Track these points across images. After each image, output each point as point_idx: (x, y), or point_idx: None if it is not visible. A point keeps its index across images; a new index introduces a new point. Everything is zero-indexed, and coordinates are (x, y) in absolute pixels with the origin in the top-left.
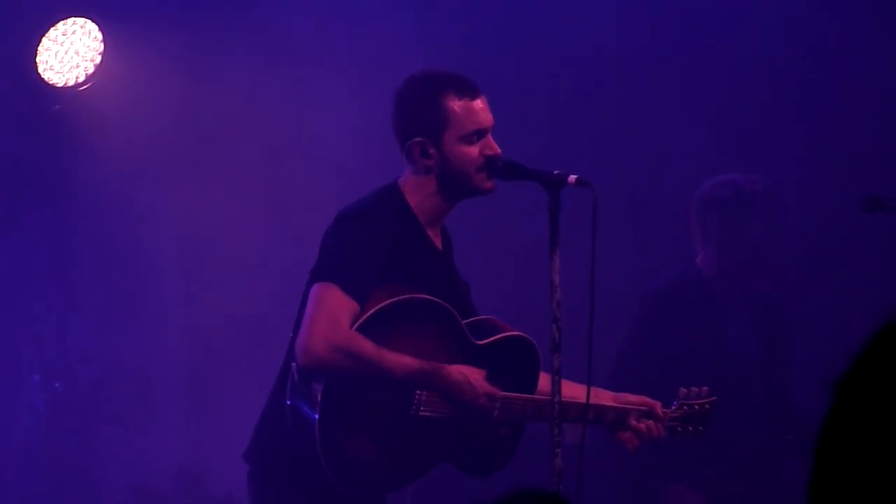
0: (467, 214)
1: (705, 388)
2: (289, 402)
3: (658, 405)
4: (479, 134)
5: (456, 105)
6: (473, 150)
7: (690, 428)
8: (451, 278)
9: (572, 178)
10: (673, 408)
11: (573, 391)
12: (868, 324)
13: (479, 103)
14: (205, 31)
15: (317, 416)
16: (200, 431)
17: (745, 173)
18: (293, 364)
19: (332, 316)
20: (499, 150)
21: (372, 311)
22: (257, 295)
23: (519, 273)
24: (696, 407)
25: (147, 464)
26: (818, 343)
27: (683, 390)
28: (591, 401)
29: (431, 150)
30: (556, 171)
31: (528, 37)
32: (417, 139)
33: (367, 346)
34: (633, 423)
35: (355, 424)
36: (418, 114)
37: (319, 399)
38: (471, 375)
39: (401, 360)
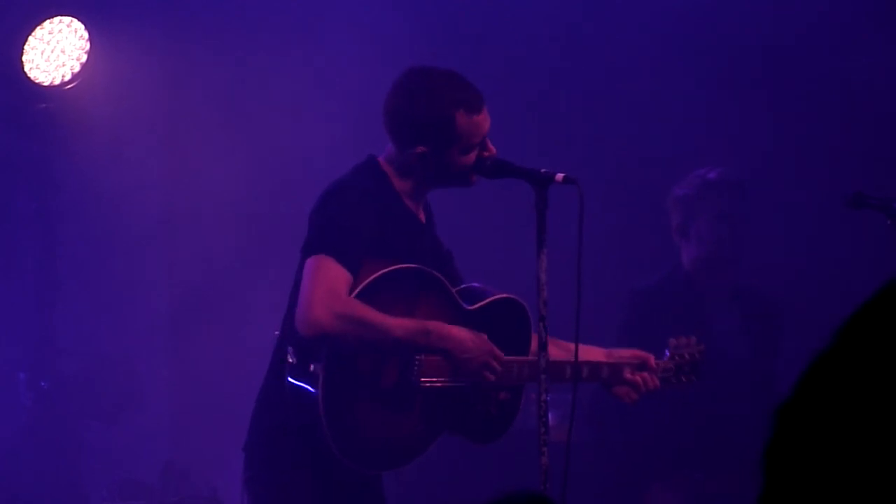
0: (454, 212)
1: (693, 336)
2: (289, 383)
3: (651, 357)
4: (481, 145)
5: (466, 122)
6: (472, 158)
7: (683, 378)
8: (435, 248)
9: (559, 176)
10: (665, 358)
11: (565, 351)
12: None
13: (484, 115)
14: (190, 31)
15: (320, 393)
16: (187, 427)
17: (715, 166)
18: (289, 347)
19: (330, 285)
20: (494, 150)
21: (367, 280)
22: (242, 291)
23: (506, 271)
24: (687, 356)
25: (133, 460)
26: (807, 338)
27: (673, 340)
28: (584, 358)
29: (432, 160)
30: (543, 170)
31: (514, 35)
32: (420, 149)
33: (369, 311)
34: (629, 376)
35: (358, 399)
36: (428, 125)
37: (321, 376)
38: (475, 336)
39: (403, 322)
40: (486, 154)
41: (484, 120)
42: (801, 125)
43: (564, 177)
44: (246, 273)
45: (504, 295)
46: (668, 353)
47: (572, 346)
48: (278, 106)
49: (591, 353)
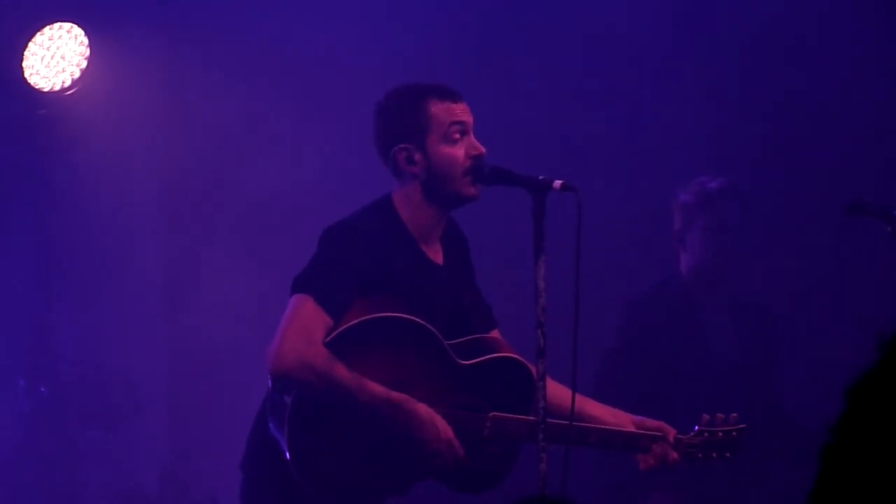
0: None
1: (734, 414)
2: (268, 411)
3: (671, 432)
4: (461, 130)
5: (437, 108)
6: (458, 151)
7: (714, 454)
8: (454, 292)
9: (557, 183)
10: (691, 434)
11: (583, 408)
12: (854, 327)
13: (460, 106)
14: (191, 38)
15: (286, 429)
16: (185, 435)
17: (715, 175)
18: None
19: (305, 329)
20: (483, 150)
21: (346, 326)
22: (243, 299)
23: (503, 278)
24: (721, 434)
25: (131, 467)
26: (805, 346)
27: (706, 417)
28: (603, 423)
29: (417, 157)
30: (541, 177)
31: (508, 41)
32: (402, 146)
33: (337, 367)
34: (645, 445)
35: (327, 439)
36: (400, 121)
37: (288, 412)
38: (437, 419)
39: (368, 388)
40: (473, 153)
41: (461, 109)
42: (797, 129)
43: (563, 184)
44: (247, 280)
45: (509, 354)
46: (696, 427)
47: (591, 403)
48: (279, 112)
49: (614, 418)
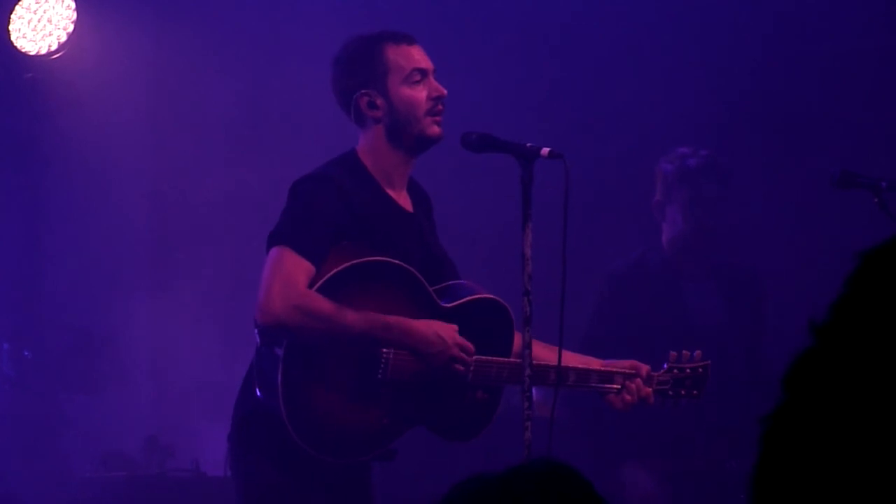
0: (438, 186)
1: (698, 351)
2: (255, 366)
3: (645, 367)
4: (422, 73)
5: (393, 52)
6: (420, 94)
7: (683, 392)
8: (423, 240)
9: (545, 150)
10: (662, 371)
11: (549, 354)
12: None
13: (416, 49)
14: (177, 3)
15: (279, 379)
16: (170, 400)
17: (697, 147)
18: (255, 329)
19: (288, 277)
20: (444, 91)
21: (330, 273)
22: (230, 265)
23: (490, 246)
24: (688, 371)
25: (116, 432)
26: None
27: (673, 353)
28: (575, 364)
29: (379, 101)
30: (528, 144)
31: (501, 16)
32: (362, 91)
33: (326, 304)
34: (619, 383)
35: (320, 388)
36: (359, 68)
37: (281, 362)
38: (441, 329)
39: (363, 316)
40: (435, 94)
41: (418, 53)
42: (785, 104)
43: (550, 151)
44: (234, 246)
45: (487, 295)
46: (665, 365)
47: (562, 351)
48: (267, 80)
49: (585, 361)
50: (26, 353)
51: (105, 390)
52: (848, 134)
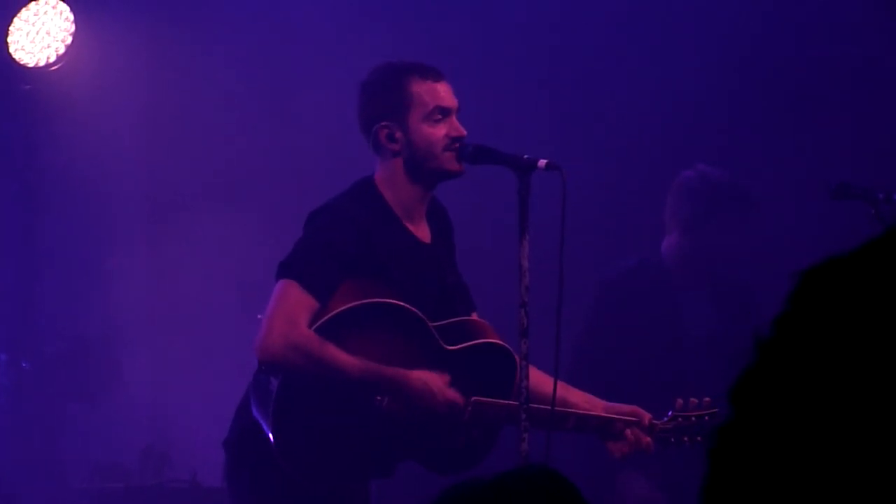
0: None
1: (707, 398)
2: (252, 388)
3: (646, 416)
4: (443, 112)
5: (419, 87)
6: (439, 131)
7: (686, 439)
8: (439, 273)
9: (542, 162)
10: (665, 419)
11: (548, 386)
12: None
13: (442, 86)
14: (175, 13)
15: (271, 414)
16: (167, 410)
17: (718, 166)
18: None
19: (290, 314)
20: (464, 132)
21: (333, 313)
22: (227, 272)
23: (487, 258)
24: (694, 419)
25: (113, 441)
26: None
27: (680, 401)
28: (576, 404)
29: (398, 135)
30: (525, 156)
31: (497, 24)
32: (383, 124)
33: (325, 347)
34: (619, 430)
35: (312, 421)
36: (382, 99)
37: (274, 394)
38: (431, 381)
39: (359, 364)
40: (454, 134)
41: (444, 90)
42: (786, 114)
43: (547, 163)
44: (231, 255)
45: (492, 340)
46: (670, 413)
47: (566, 389)
48: (263, 89)
49: (587, 401)
50: (24, 364)
51: (102, 399)
52: (844, 142)
